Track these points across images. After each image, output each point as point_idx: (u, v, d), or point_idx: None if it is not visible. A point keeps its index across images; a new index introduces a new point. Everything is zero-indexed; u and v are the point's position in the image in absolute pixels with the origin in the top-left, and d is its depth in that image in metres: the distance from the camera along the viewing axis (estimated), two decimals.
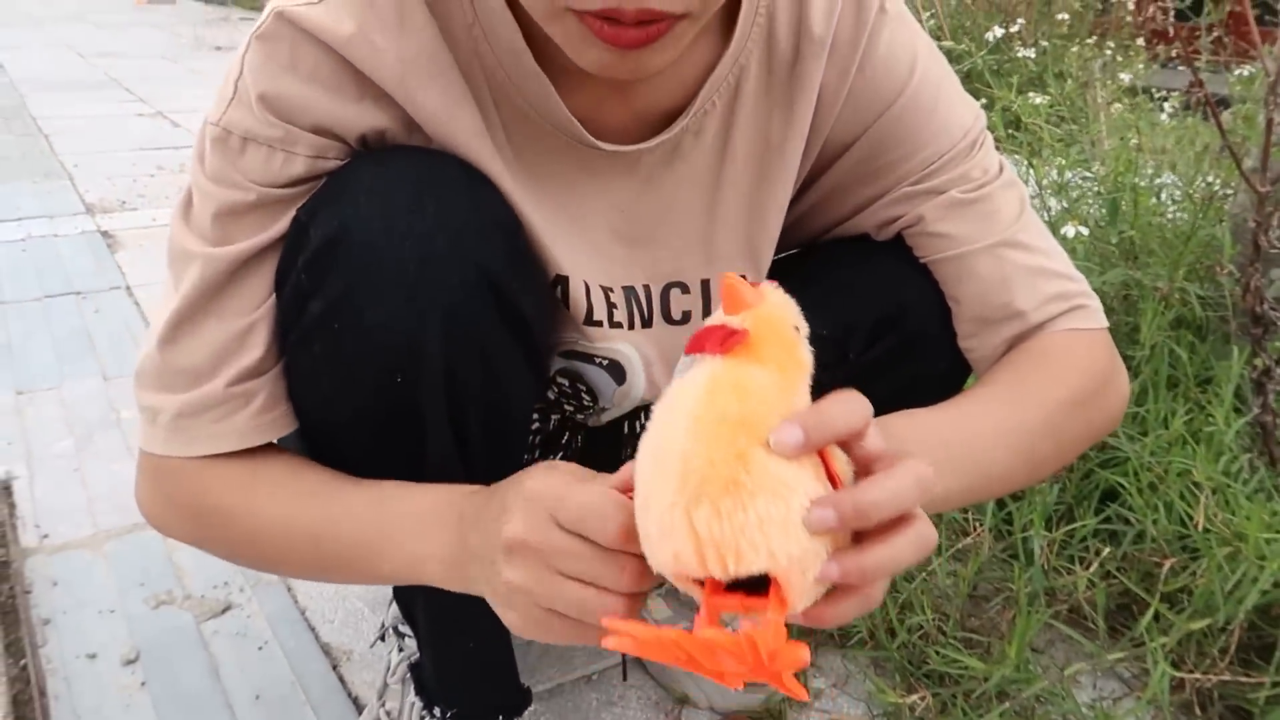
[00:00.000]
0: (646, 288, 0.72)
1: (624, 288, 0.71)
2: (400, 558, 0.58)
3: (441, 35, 0.61)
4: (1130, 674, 1.05)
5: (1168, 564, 1.02)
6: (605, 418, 0.81)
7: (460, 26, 0.61)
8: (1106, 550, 1.09)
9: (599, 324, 0.70)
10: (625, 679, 0.99)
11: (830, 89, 0.69)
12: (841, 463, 0.45)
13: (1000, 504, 1.19)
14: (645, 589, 0.48)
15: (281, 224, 0.61)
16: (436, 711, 0.81)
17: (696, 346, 0.47)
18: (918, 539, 0.45)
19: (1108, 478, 1.19)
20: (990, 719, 0.92)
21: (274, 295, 0.62)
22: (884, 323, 0.75)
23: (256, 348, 0.62)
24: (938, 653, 1.01)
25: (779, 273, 0.77)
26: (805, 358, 0.48)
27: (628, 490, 0.49)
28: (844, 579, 0.43)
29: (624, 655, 0.96)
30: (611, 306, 0.71)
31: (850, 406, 0.44)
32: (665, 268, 0.72)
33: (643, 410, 0.88)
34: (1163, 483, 1.12)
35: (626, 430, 0.90)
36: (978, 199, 0.71)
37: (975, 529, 1.14)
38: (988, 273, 0.70)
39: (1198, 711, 0.98)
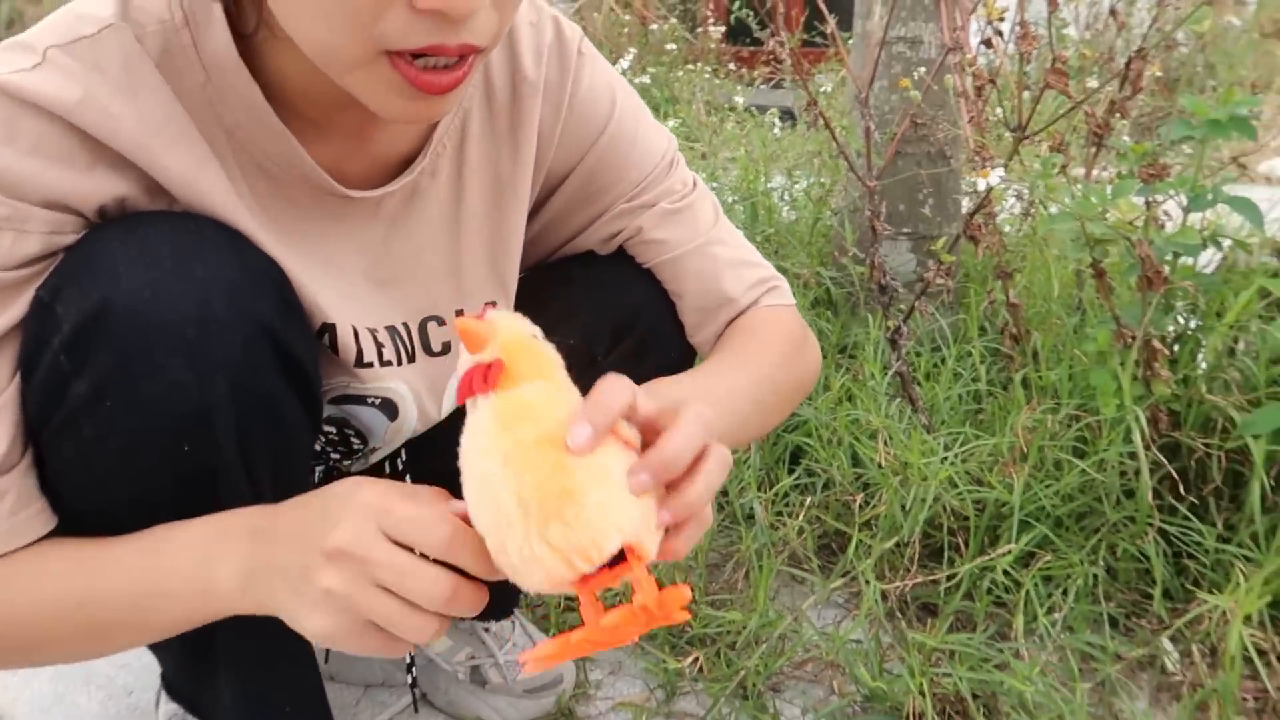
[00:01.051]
0: (405, 325, 0.76)
1: (386, 327, 0.74)
2: (185, 592, 0.58)
3: (175, 97, 0.61)
4: (844, 599, 1.24)
5: (857, 500, 1.22)
6: (375, 458, 0.83)
7: (193, 87, 0.61)
8: (808, 500, 1.28)
9: (370, 365, 0.73)
10: (416, 712, 1.00)
11: (547, 125, 0.77)
12: (628, 430, 0.53)
13: None
14: (458, 609, 0.52)
15: (16, 309, 0.58)
16: None
17: (466, 392, 0.52)
18: (718, 463, 0.54)
19: (793, 440, 1.39)
20: (753, 662, 1.05)
21: (12, 386, 0.58)
22: (622, 325, 0.84)
23: None
24: (697, 616, 1.12)
25: (524, 293, 0.84)
26: (552, 354, 0.54)
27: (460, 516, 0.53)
28: (676, 518, 0.52)
29: (413, 692, 0.98)
30: (379, 346, 0.74)
31: (618, 387, 0.52)
32: (419, 304, 0.76)
33: (400, 449, 0.90)
34: (837, 435, 1.34)
35: (388, 470, 0.92)
36: (683, 208, 0.83)
37: None
38: (701, 269, 0.82)
39: (899, 615, 1.19)
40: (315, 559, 0.52)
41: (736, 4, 3.06)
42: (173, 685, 0.83)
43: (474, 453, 0.51)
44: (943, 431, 1.31)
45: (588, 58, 0.79)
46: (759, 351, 0.80)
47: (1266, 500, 1.15)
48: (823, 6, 1.55)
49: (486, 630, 1.05)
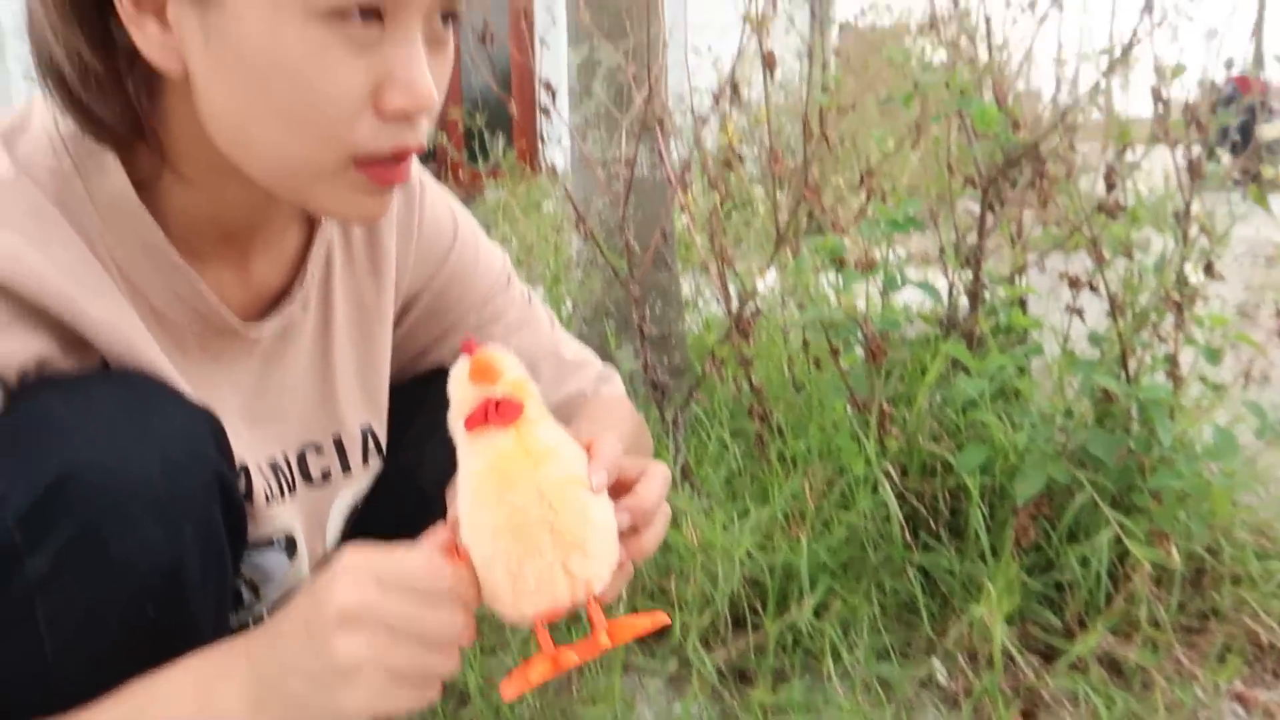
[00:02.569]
0: (285, 455, 0.76)
1: (268, 462, 0.74)
2: None
3: (83, 244, 0.60)
4: (661, 682, 1.32)
5: (672, 581, 1.32)
6: (268, 608, 0.80)
7: (90, 234, 0.60)
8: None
9: (269, 501, 0.72)
10: None
11: (400, 252, 0.82)
12: None
13: None
14: (468, 639, 0.56)
15: None
16: None
17: (480, 422, 0.57)
18: (663, 522, 0.64)
19: None
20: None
21: None
22: None
23: None
24: None
25: (390, 411, 0.85)
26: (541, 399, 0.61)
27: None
28: (629, 558, 0.60)
29: None
30: (268, 482, 0.73)
31: (613, 441, 0.61)
32: (295, 435, 0.77)
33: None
34: None
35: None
36: (527, 318, 0.91)
37: None
38: (551, 372, 0.90)
39: (719, 687, 1.28)
40: (328, 632, 0.52)
41: None
42: None
43: (500, 483, 0.55)
44: (727, 508, 1.45)
45: (428, 188, 0.85)
46: (617, 425, 0.88)
47: (986, 523, 1.41)
48: (545, 131, 1.69)
49: None
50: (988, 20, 1.61)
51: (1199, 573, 1.45)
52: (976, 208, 1.66)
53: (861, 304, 1.51)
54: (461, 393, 0.58)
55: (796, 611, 1.28)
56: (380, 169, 0.59)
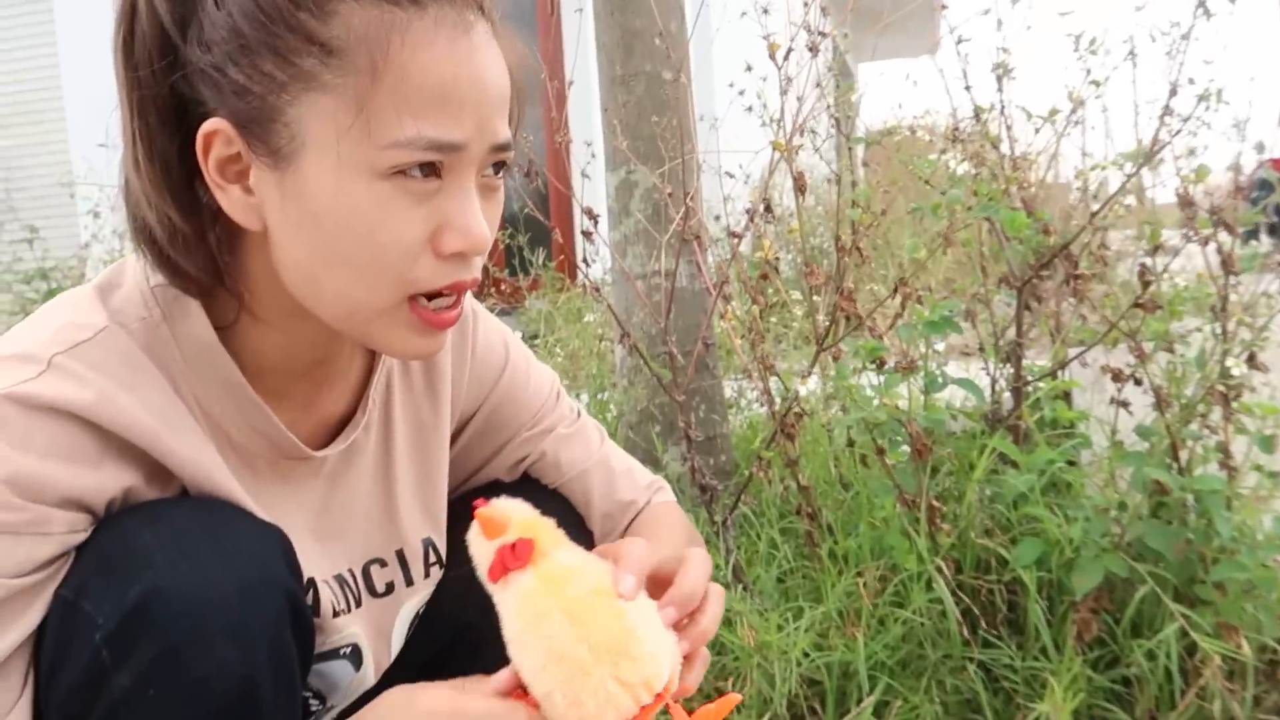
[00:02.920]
0: (350, 571, 0.80)
1: (335, 577, 0.78)
2: None
3: (168, 385, 0.65)
4: None
5: (729, 684, 1.32)
6: (328, 719, 0.82)
7: (175, 375, 0.66)
8: None
9: (338, 615, 0.76)
10: None
11: (455, 375, 0.88)
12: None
13: None
14: None
15: (34, 613, 0.58)
16: None
17: (501, 572, 0.61)
18: (718, 597, 0.66)
19: None
20: None
21: (26, 692, 0.58)
22: None
23: None
24: None
25: (449, 525, 0.89)
26: (555, 526, 0.65)
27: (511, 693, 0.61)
28: (694, 646, 0.63)
29: None
30: (335, 595, 0.77)
31: (641, 543, 0.64)
32: (360, 550, 0.81)
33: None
34: None
35: None
36: (576, 431, 0.95)
37: None
38: (602, 482, 0.94)
39: None
40: None
41: None
42: None
43: (531, 619, 0.58)
44: (781, 608, 1.45)
45: (480, 315, 0.91)
46: (671, 531, 0.92)
47: (1046, 617, 1.39)
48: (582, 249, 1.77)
49: None
50: (1009, 129, 1.68)
51: (1272, 665, 1.41)
52: (1012, 304, 1.69)
53: (904, 403, 1.54)
54: (479, 550, 0.62)
55: (856, 712, 1.27)
56: (429, 313, 0.65)
